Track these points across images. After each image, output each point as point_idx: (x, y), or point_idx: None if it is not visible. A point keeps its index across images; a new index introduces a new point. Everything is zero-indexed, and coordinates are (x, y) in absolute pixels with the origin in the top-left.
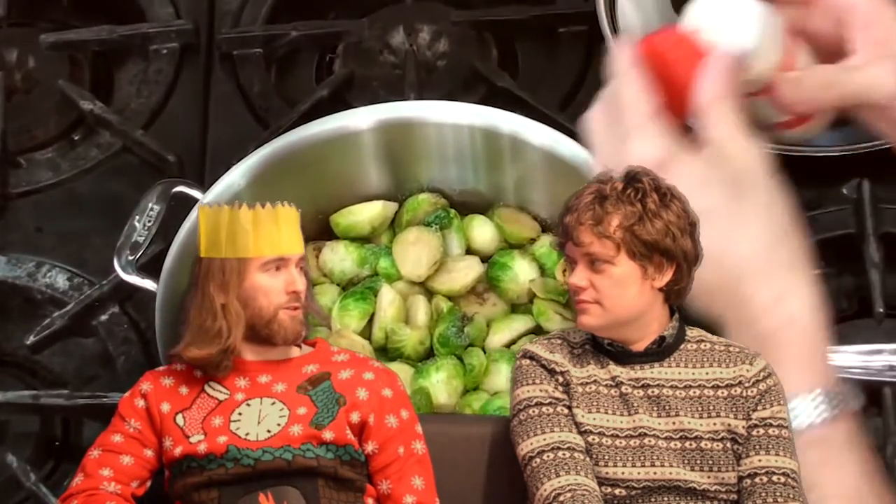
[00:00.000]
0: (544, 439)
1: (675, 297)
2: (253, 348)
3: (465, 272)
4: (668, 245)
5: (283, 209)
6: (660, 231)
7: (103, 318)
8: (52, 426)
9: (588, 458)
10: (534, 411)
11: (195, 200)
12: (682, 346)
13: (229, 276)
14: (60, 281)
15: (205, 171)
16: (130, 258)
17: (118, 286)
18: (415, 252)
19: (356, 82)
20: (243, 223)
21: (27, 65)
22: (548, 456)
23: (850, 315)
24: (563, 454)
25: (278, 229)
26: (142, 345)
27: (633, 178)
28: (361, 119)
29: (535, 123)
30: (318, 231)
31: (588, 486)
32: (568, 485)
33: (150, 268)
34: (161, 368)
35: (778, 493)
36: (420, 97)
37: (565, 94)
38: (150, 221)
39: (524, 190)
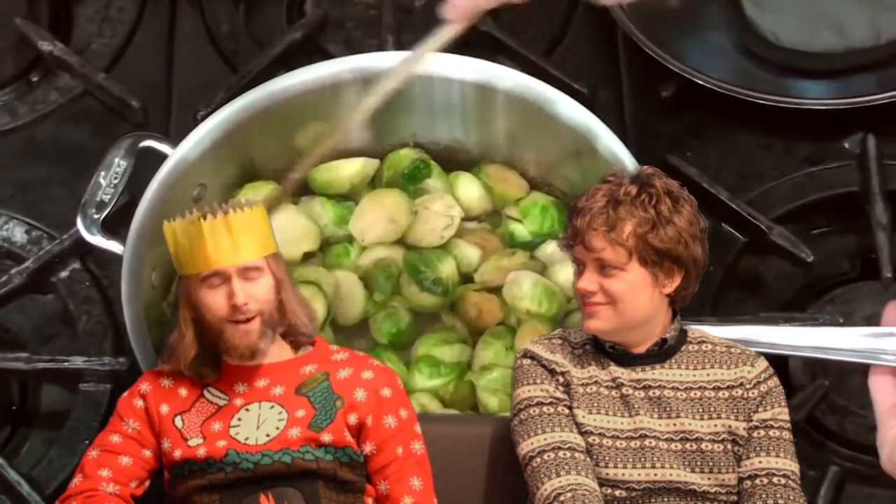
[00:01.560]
0: (545, 439)
1: (680, 302)
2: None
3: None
4: (680, 252)
5: (209, 223)
6: (672, 239)
7: (63, 274)
8: (9, 391)
9: (588, 458)
10: (534, 411)
11: (164, 156)
12: (683, 348)
13: (182, 293)
14: (18, 234)
15: (171, 118)
16: (95, 217)
17: (80, 240)
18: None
19: (330, 24)
20: (181, 239)
21: None
22: (548, 456)
23: (854, 277)
24: (564, 454)
25: (205, 244)
26: (104, 304)
27: (646, 182)
28: (343, 70)
29: (532, 80)
30: (297, 188)
31: (588, 485)
32: (569, 484)
33: (116, 225)
34: (160, 368)
35: (778, 495)
36: (398, 40)
37: (551, 39)
38: (116, 178)
39: (514, 147)
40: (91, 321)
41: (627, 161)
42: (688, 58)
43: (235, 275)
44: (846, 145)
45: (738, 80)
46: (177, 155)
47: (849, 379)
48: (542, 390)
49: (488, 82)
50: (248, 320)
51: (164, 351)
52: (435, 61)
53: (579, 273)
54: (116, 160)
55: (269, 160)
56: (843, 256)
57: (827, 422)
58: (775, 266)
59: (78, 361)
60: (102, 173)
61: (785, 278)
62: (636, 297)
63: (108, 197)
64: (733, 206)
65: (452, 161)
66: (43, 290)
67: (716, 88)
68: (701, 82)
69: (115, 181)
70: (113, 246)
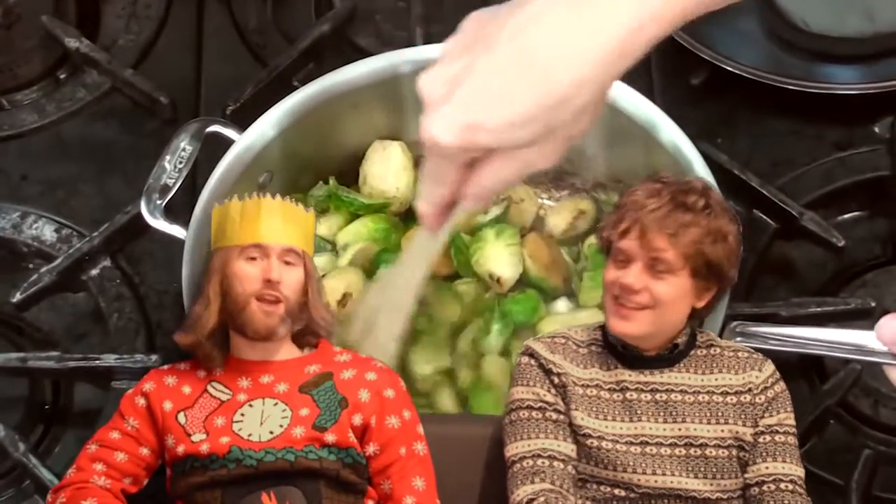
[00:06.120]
0: (527, 445)
1: (698, 316)
2: (253, 348)
3: None
4: (726, 271)
5: (268, 200)
6: (723, 256)
7: (94, 272)
8: (42, 390)
9: (568, 468)
10: (523, 414)
11: (230, 141)
12: (692, 352)
13: (217, 264)
14: (47, 232)
15: (199, 113)
16: (159, 202)
17: (109, 238)
18: None
19: (358, 16)
20: (233, 214)
21: None
22: (527, 462)
23: (885, 261)
24: (542, 462)
25: (259, 219)
26: (136, 301)
27: (706, 194)
28: (404, 61)
29: None
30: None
31: (561, 493)
32: (541, 490)
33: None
34: (165, 367)
35: (786, 501)
36: (427, 32)
37: None
38: (181, 163)
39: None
40: (122, 319)
41: (690, 152)
42: (717, 45)
43: (276, 254)
44: (876, 130)
45: (768, 67)
46: (243, 142)
47: None
48: (532, 393)
49: None
50: (274, 302)
51: (185, 322)
52: None
53: (618, 266)
54: (182, 144)
55: (333, 149)
56: (874, 241)
57: (860, 405)
58: (807, 251)
59: (110, 359)
60: (168, 157)
61: (816, 263)
62: (677, 305)
63: (173, 181)
64: (764, 192)
65: None
66: (73, 289)
67: (746, 75)
68: (731, 69)
69: (181, 166)
70: (175, 230)
